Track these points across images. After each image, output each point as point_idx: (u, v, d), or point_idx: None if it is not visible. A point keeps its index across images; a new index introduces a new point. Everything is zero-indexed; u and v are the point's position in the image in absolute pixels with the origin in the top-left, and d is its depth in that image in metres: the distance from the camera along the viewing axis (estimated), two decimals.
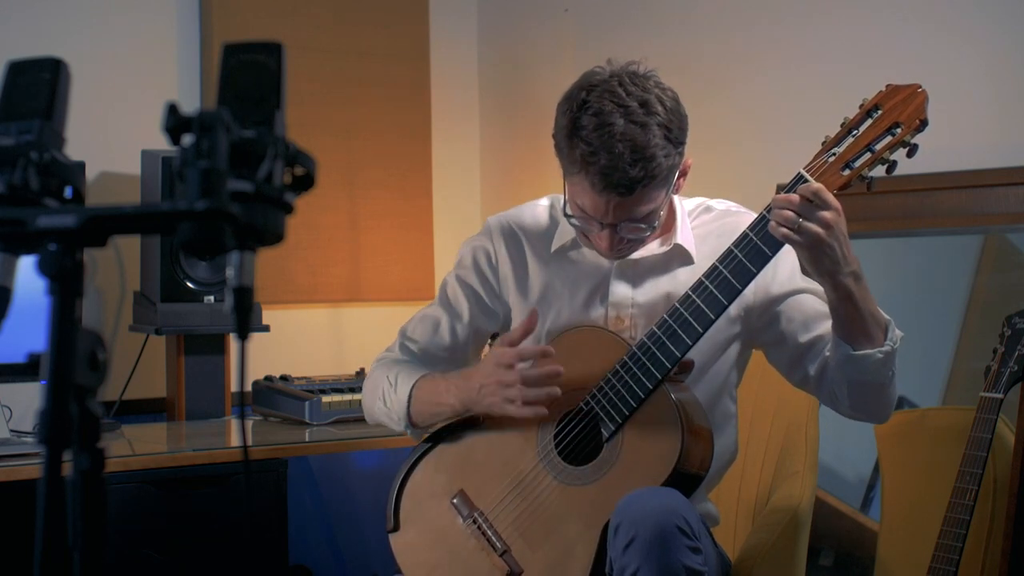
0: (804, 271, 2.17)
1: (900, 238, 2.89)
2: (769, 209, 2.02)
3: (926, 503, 2.56)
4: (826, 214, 1.95)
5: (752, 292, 2.20)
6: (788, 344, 2.24)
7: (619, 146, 2.05)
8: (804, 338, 2.21)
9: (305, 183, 1.12)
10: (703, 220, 2.29)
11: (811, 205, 1.96)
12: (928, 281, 2.92)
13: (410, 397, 2.28)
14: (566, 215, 2.19)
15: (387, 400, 2.32)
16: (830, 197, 1.96)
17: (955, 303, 2.82)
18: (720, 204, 2.32)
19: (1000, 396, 2.42)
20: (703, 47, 3.28)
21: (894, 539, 2.67)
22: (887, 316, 2.09)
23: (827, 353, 2.15)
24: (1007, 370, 2.44)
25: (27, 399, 2.95)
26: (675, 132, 2.10)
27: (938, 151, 2.78)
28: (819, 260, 1.98)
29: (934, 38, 2.84)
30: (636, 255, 2.26)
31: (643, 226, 2.15)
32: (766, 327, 2.25)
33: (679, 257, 2.25)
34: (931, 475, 2.57)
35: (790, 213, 1.96)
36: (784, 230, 1.97)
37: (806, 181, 2.00)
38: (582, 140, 2.08)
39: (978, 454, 2.39)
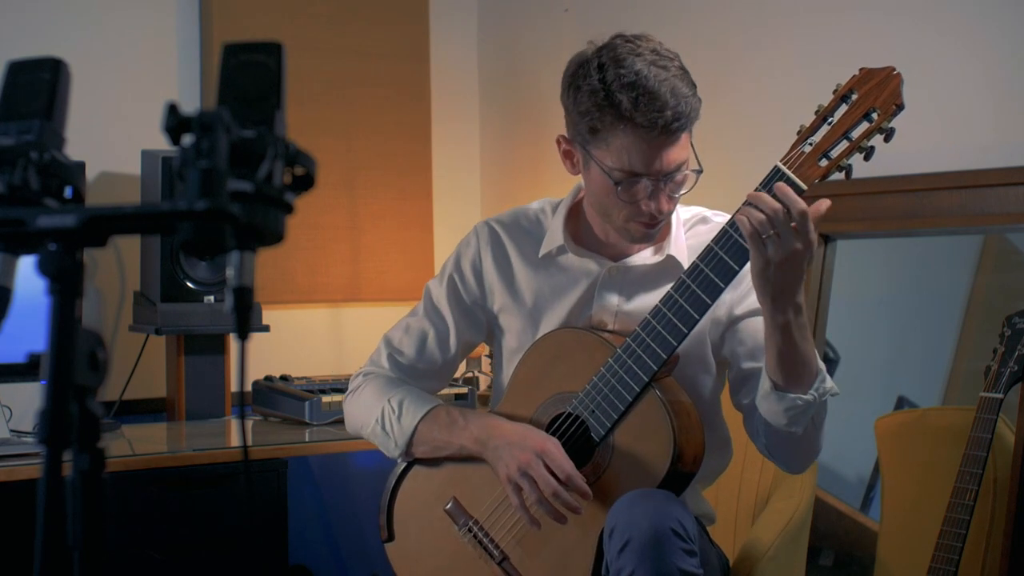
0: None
1: (900, 238, 2.89)
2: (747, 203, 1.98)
3: (926, 503, 2.56)
4: (797, 246, 1.90)
5: (720, 304, 2.14)
6: (732, 367, 2.22)
7: (655, 86, 2.04)
8: (747, 365, 2.18)
9: (305, 183, 1.11)
10: (698, 231, 2.26)
11: (791, 229, 1.89)
12: (928, 281, 2.92)
13: (415, 430, 2.24)
14: (615, 184, 2.10)
15: (387, 425, 2.26)
16: (811, 229, 1.90)
17: (955, 303, 2.82)
18: (718, 216, 2.27)
19: (1000, 396, 2.42)
20: (702, 47, 3.27)
21: (894, 539, 2.67)
22: (823, 369, 2.04)
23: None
24: (1007, 370, 2.44)
25: (27, 399, 2.95)
26: (688, 75, 2.10)
27: (937, 151, 2.78)
28: (770, 278, 1.92)
29: (932, 39, 2.84)
30: (628, 262, 2.24)
31: (681, 177, 2.10)
32: (721, 344, 2.23)
33: (670, 269, 2.21)
34: (931, 475, 2.57)
35: (765, 219, 1.90)
36: (752, 232, 1.91)
37: (783, 175, 1.97)
38: (618, 91, 2.05)
39: (978, 454, 2.39)
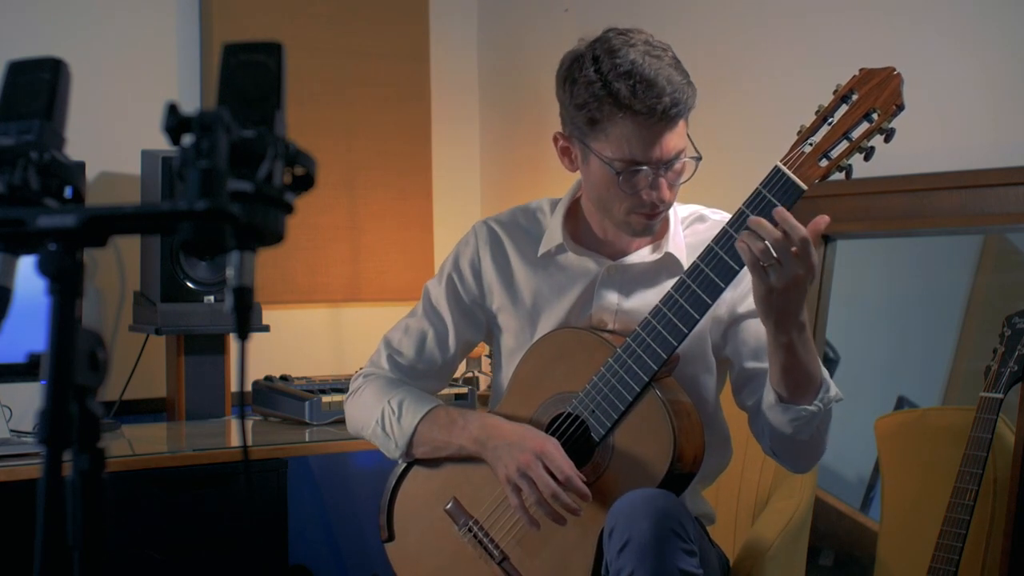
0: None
1: (900, 238, 2.89)
2: (751, 206, 1.98)
3: (926, 503, 2.56)
4: (799, 271, 1.90)
5: (720, 303, 2.14)
6: (735, 367, 2.22)
7: (652, 73, 2.05)
8: (750, 365, 2.18)
9: (305, 183, 1.11)
10: (696, 230, 2.25)
11: (792, 255, 1.89)
12: (928, 281, 2.92)
13: (415, 431, 2.25)
14: (616, 174, 2.10)
15: (387, 426, 2.26)
16: (813, 253, 1.90)
17: (955, 303, 2.82)
18: (715, 214, 2.27)
19: (1000, 396, 2.42)
20: (702, 47, 3.27)
21: (894, 539, 2.67)
22: (827, 378, 2.06)
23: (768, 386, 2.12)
24: (1007, 370, 2.44)
25: (27, 399, 2.95)
26: (681, 64, 2.11)
27: (937, 151, 2.78)
28: (773, 304, 1.93)
29: (932, 39, 2.84)
30: (626, 260, 2.24)
31: (680, 166, 2.11)
32: (723, 343, 2.23)
33: (669, 267, 2.21)
34: (931, 475, 2.57)
35: (765, 248, 1.90)
36: (753, 261, 1.91)
37: (783, 175, 1.97)
38: (615, 80, 2.06)
39: (978, 454, 2.39)
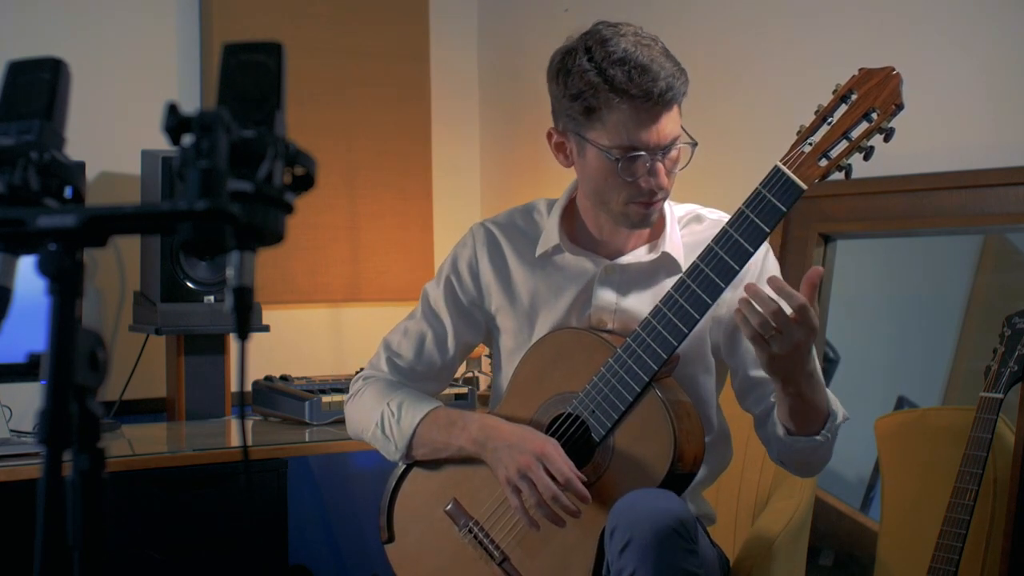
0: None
1: (900, 238, 2.89)
2: (751, 206, 2.00)
3: (926, 503, 2.56)
4: (800, 337, 1.90)
5: (720, 303, 2.13)
6: (738, 374, 2.23)
7: (645, 60, 2.07)
8: (754, 374, 2.19)
9: (305, 183, 1.11)
10: (693, 229, 2.25)
11: (792, 321, 1.90)
12: (928, 281, 2.92)
13: (415, 432, 2.25)
14: (615, 161, 2.09)
15: (387, 428, 2.26)
16: (813, 316, 1.90)
17: (955, 303, 2.82)
18: (712, 213, 2.27)
19: (1000, 396, 2.42)
20: (702, 47, 3.27)
21: (894, 539, 2.67)
22: (833, 407, 2.09)
23: (772, 400, 2.14)
24: (1007, 370, 2.44)
25: (27, 399, 2.95)
26: (671, 54, 2.12)
27: (937, 151, 2.78)
28: (778, 368, 1.96)
29: (931, 40, 2.84)
30: (623, 260, 2.24)
31: (676, 152, 2.12)
32: (725, 349, 2.23)
33: (666, 267, 2.21)
34: (931, 475, 2.57)
35: (765, 321, 1.90)
36: (754, 335, 1.92)
37: (783, 175, 1.98)
38: (610, 67, 2.07)
39: (978, 454, 2.39)
